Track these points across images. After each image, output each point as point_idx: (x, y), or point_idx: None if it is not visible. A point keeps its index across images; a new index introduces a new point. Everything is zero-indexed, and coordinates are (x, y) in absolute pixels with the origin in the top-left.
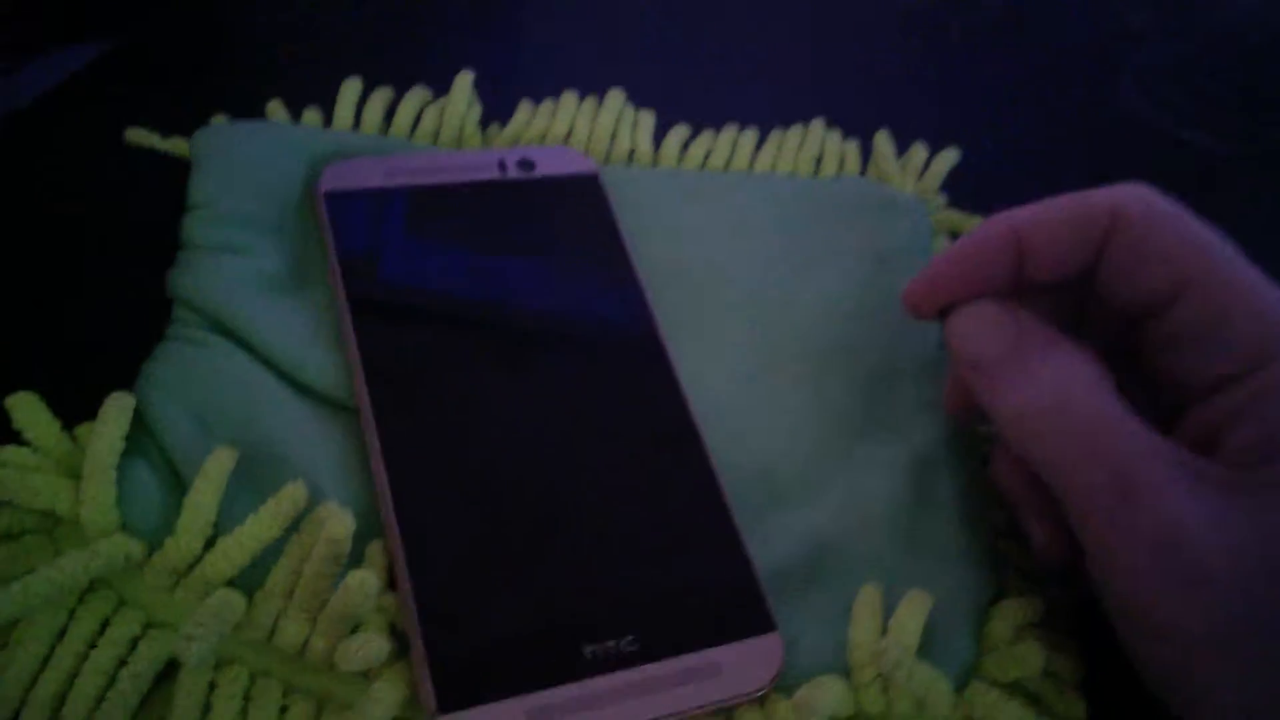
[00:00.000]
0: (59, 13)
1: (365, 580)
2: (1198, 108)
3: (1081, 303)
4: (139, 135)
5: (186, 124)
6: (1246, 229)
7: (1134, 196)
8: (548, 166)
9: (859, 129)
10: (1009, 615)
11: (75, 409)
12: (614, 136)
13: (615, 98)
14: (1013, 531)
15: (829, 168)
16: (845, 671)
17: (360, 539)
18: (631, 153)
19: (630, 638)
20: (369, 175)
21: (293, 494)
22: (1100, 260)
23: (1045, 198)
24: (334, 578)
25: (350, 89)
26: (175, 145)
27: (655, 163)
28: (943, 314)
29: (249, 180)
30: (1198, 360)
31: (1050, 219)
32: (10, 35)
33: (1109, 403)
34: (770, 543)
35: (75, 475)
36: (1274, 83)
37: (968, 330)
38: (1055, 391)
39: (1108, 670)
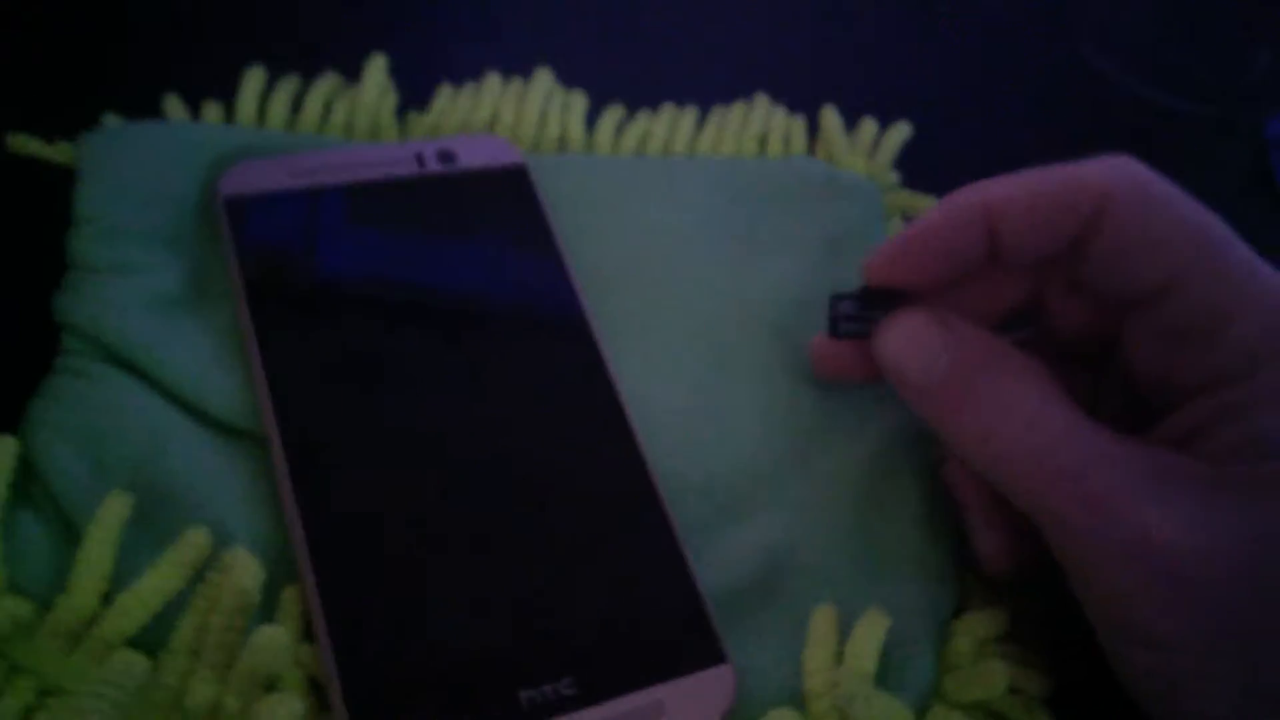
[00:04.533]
0: None
1: (274, 636)
2: (1159, 67)
3: (1042, 282)
4: (20, 142)
5: (76, 126)
6: (1206, 188)
7: (1126, 176)
8: (470, 158)
9: (805, 103)
10: (971, 630)
11: None
12: (543, 121)
13: (543, 78)
14: None
15: (774, 147)
16: (801, 699)
17: (276, 582)
18: (562, 138)
19: (568, 680)
20: (273, 176)
21: (194, 540)
22: (1084, 245)
23: (1004, 171)
24: (243, 631)
25: (253, 80)
26: (60, 152)
27: (588, 149)
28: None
29: (141, 189)
30: (1189, 357)
31: (1029, 196)
32: None
33: (1062, 415)
34: (720, 561)
35: None
36: (1234, 41)
37: (902, 351)
38: (1003, 413)
39: (1077, 680)
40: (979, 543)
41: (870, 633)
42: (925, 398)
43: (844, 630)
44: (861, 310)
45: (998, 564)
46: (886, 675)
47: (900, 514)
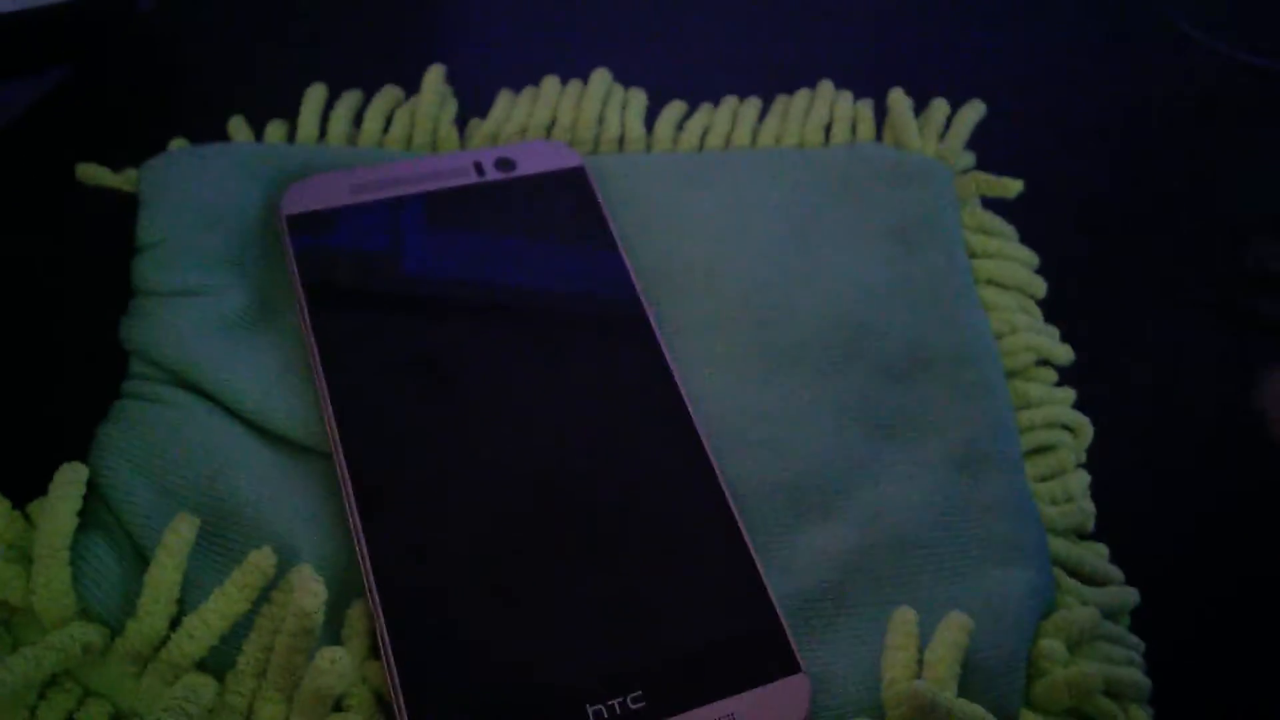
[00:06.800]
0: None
1: (336, 659)
2: (1252, 27)
3: None
4: (89, 171)
5: (148, 154)
6: None
7: None
8: (529, 164)
9: (873, 87)
10: (1062, 630)
11: (29, 482)
12: (602, 121)
13: (600, 79)
14: (1074, 529)
15: (840, 135)
16: (879, 708)
17: (343, 598)
18: (621, 137)
19: (638, 693)
20: (334, 192)
21: (259, 563)
22: None
23: (1091, 146)
24: (308, 652)
25: (314, 96)
26: (127, 179)
27: (649, 147)
28: None
29: (203, 212)
30: None
31: None
32: None
33: None
34: (794, 566)
35: (29, 559)
36: None
37: None
38: None
39: (1181, 670)
40: None
41: (952, 636)
42: None
43: (924, 634)
44: None
45: None
46: (971, 682)
47: (989, 505)
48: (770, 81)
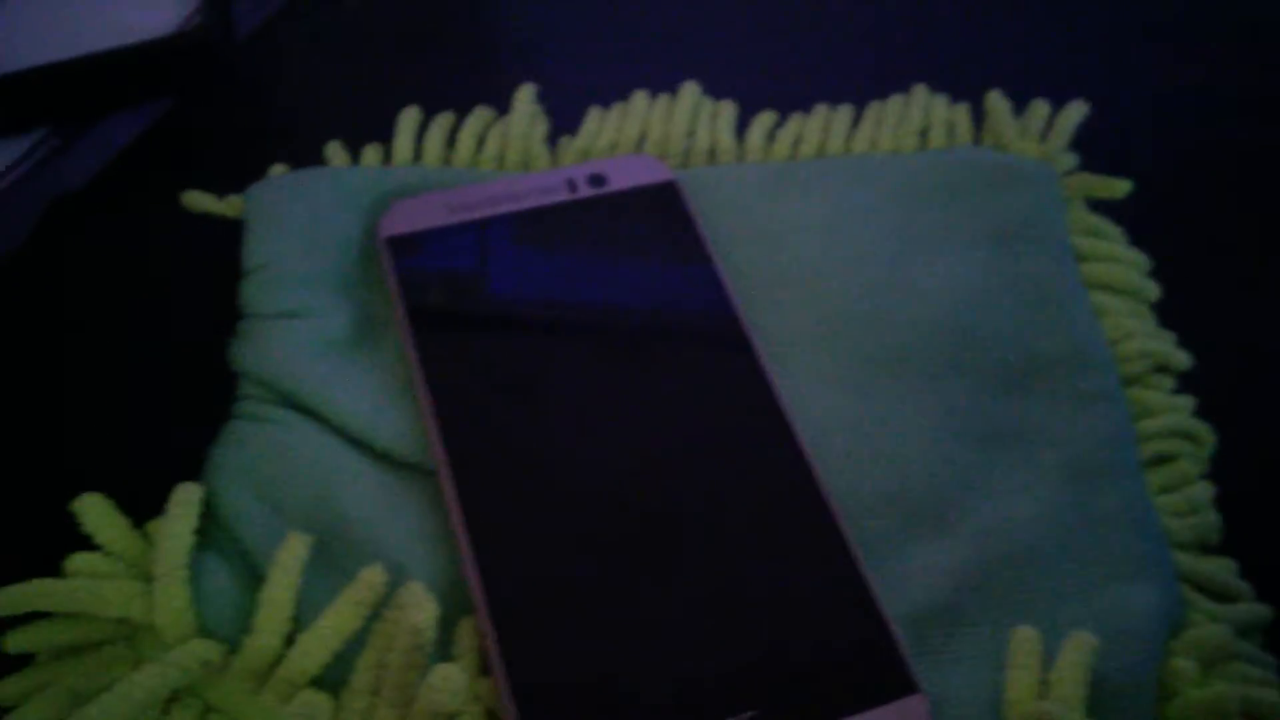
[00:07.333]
0: (102, 84)
1: (449, 676)
2: None
3: None
4: (194, 199)
5: (250, 180)
6: None
7: None
8: (620, 179)
9: (969, 90)
10: (1194, 650)
11: (147, 502)
12: (692, 134)
13: (689, 92)
14: (1199, 543)
15: (937, 139)
16: None
17: (452, 614)
18: (712, 149)
19: (750, 715)
20: (431, 213)
21: (370, 580)
22: None
23: (1197, 141)
24: (421, 669)
25: (408, 120)
26: (231, 206)
27: (740, 157)
28: None
29: (305, 235)
30: None
31: None
32: (56, 110)
33: None
34: (905, 583)
35: (149, 577)
36: None
37: None
38: None
39: None
40: None
41: (1077, 658)
42: None
43: (1048, 657)
44: None
45: None
46: (1097, 703)
47: (1106, 520)
48: (863, 88)
